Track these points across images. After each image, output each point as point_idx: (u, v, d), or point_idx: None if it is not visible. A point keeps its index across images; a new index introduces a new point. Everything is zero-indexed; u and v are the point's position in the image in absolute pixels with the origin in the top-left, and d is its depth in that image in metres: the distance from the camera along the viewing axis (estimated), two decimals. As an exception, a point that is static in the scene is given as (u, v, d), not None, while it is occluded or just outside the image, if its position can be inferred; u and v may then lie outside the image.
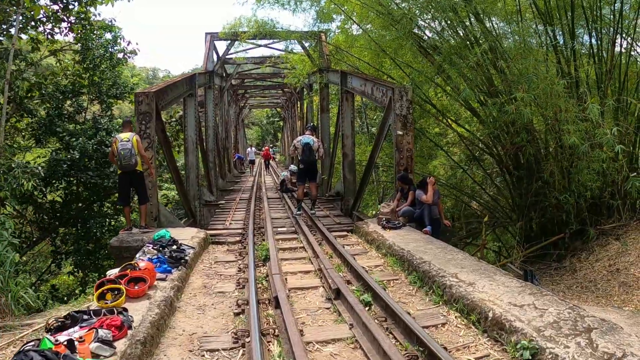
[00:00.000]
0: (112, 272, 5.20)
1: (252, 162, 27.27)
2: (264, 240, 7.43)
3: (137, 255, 6.20)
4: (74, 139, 10.36)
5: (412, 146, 8.83)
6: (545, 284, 8.44)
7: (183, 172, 11.92)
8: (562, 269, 9.09)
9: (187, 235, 7.25)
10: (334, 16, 14.23)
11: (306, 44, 17.55)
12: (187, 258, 5.96)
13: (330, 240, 6.71)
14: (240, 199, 14.07)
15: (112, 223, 12.15)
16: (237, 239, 7.68)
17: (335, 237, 7.40)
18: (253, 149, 27.75)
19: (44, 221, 11.64)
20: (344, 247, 6.79)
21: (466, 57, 9.46)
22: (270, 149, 33.14)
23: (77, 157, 10.08)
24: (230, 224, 9.37)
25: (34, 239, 11.75)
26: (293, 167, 15.83)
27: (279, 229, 8.53)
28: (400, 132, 8.66)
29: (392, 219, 7.46)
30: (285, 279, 5.28)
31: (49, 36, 12.00)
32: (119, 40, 12.84)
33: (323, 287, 4.99)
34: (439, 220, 7.87)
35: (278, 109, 47.88)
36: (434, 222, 7.63)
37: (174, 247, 6.26)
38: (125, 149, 7.68)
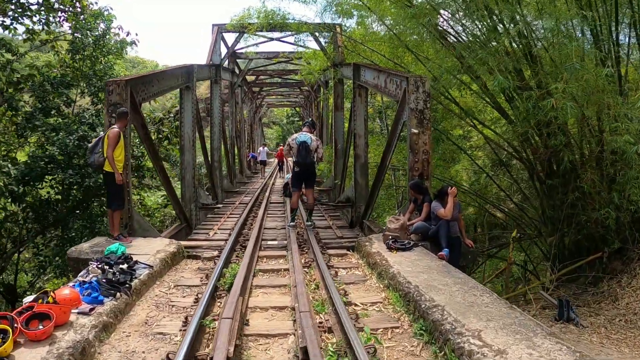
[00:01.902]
0: (28, 300, 4.03)
1: (263, 163, 24.84)
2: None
3: (80, 274, 5.04)
4: (54, 134, 9.32)
5: (430, 147, 7.41)
6: (582, 315, 6.99)
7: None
8: (600, 295, 7.77)
9: (152, 249, 6.03)
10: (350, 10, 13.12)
11: (321, 39, 16.41)
12: (134, 282, 4.72)
13: (319, 265, 5.36)
14: (240, 203, 12.86)
15: (99, 227, 11.08)
16: (215, 253, 6.41)
17: (329, 258, 6.08)
18: (265, 148, 25.54)
19: (27, 222, 10.64)
20: (337, 272, 5.46)
21: (492, 46, 8.09)
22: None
23: (56, 153, 9.01)
24: (215, 233, 8.11)
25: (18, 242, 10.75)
26: (289, 175, 14.59)
27: (269, 242, 7.24)
28: (415, 130, 7.26)
29: (400, 237, 6.08)
30: (247, 320, 3.97)
31: (45, 26, 11.15)
32: (115, 30, 11.83)
33: (295, 334, 3.67)
34: (459, 240, 6.45)
35: (297, 108, 46.78)
36: (453, 242, 6.21)
37: (124, 265, 5.04)
38: (90, 146, 6.56)
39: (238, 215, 10.03)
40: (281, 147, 24.74)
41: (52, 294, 3.91)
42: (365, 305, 4.42)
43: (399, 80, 8.13)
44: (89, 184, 9.52)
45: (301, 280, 4.57)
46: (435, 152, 13.85)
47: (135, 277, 4.86)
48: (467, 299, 3.96)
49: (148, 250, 5.99)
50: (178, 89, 10.40)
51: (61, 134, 9.29)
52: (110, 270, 4.81)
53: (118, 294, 4.33)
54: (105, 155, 6.34)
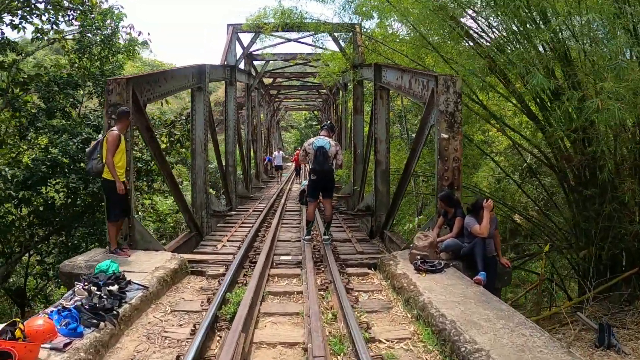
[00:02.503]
0: (-1, 327, 3.44)
1: (279, 168, 23.53)
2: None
3: (64, 296, 4.45)
4: (57, 137, 8.83)
5: (461, 154, 6.66)
6: (621, 339, 6.23)
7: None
8: (639, 315, 6.98)
9: (151, 265, 5.42)
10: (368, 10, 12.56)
11: (340, 40, 15.78)
12: (123, 307, 4.10)
13: (337, 288, 4.66)
14: (254, 210, 12.22)
15: (105, 234, 10.55)
16: (221, 270, 5.75)
17: (348, 279, 5.37)
18: (281, 152, 24.42)
19: (32, 227, 10.18)
20: (358, 298, 4.75)
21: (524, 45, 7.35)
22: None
23: (59, 157, 8.51)
24: (223, 246, 7.46)
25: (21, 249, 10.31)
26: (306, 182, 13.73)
27: (282, 258, 6.56)
28: (444, 135, 6.53)
29: (430, 257, 5.35)
30: (249, 363, 3.30)
31: (53, 25, 10.77)
32: (125, 29, 11.36)
33: (306, 385, 2.98)
34: (495, 260, 5.69)
35: (316, 112, 46.21)
36: (489, 262, 5.45)
37: (114, 287, 4.42)
38: (88, 150, 6.00)
39: (250, 225, 9.39)
40: (298, 151, 23.99)
41: (20, 325, 3.30)
42: (391, 342, 3.71)
43: (425, 81, 7.42)
44: (93, 189, 9.01)
45: (316, 311, 3.88)
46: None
47: (126, 302, 4.23)
48: (515, 341, 3.24)
49: (146, 266, 5.38)
50: (188, 90, 9.83)
51: (64, 136, 8.79)
52: (97, 292, 4.20)
53: (102, 323, 3.71)
54: (104, 161, 5.77)
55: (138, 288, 4.63)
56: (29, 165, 8.62)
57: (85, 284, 4.44)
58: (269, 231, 8.18)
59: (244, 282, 5.09)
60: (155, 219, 14.72)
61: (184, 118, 11.89)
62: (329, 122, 7.72)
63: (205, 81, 10.46)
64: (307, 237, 7.00)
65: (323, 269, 5.76)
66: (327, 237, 6.95)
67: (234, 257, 6.07)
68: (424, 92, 7.45)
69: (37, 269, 10.62)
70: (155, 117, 12.03)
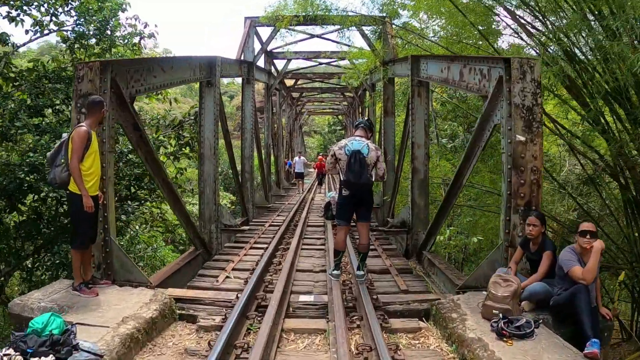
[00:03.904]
0: None
1: (300, 175, 20.53)
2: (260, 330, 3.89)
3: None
4: (39, 138, 7.49)
5: (541, 163, 4.99)
6: None
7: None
8: None
9: (120, 312, 3.92)
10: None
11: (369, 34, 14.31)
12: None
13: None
14: (271, 224, 10.65)
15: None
16: (217, 320, 4.20)
17: (396, 341, 3.75)
18: (302, 158, 21.39)
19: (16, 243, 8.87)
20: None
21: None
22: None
23: (40, 161, 7.12)
24: (226, 277, 5.81)
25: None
26: (332, 194, 11.87)
27: (301, 298, 4.93)
28: (521, 138, 4.88)
29: (512, 310, 3.70)
30: None
31: (53, 17, 9.59)
32: (130, 20, 10.03)
33: None
34: (596, 311, 4.01)
35: (340, 117, 44.72)
36: (593, 318, 3.78)
37: (48, 358, 2.94)
38: (50, 155, 4.57)
39: (265, 245, 7.78)
40: (321, 157, 22.15)
41: None
42: None
43: (486, 68, 5.79)
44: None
45: None
46: (487, 163, 11.54)
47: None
48: None
49: (113, 314, 3.88)
50: (192, 86, 8.38)
51: (45, 137, 7.43)
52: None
53: None
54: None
55: (87, 356, 3.13)
56: (4, 170, 7.27)
57: (7, 351, 2.98)
58: (287, 256, 6.58)
59: (245, 345, 3.51)
60: (162, 231, 13.35)
61: (192, 118, 10.46)
62: (365, 119, 5.86)
63: (216, 75, 9.02)
64: (336, 272, 5.17)
65: (358, 322, 4.13)
66: (361, 272, 5.15)
67: (238, 298, 4.52)
68: (484, 82, 5.82)
69: (23, 288, 9.32)
70: (159, 117, 10.59)
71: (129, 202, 9.14)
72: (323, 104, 35.01)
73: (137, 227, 11.14)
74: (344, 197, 5.06)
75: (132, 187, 9.55)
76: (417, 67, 8.88)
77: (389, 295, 4.96)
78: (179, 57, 7.35)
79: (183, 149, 11.01)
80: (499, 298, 3.72)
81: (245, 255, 7.10)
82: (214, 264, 6.68)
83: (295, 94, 28.53)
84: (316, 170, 21.14)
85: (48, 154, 4.54)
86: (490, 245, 16.03)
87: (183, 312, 4.52)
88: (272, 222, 11.08)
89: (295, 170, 20.59)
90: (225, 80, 71.22)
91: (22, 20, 9.43)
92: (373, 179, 4.97)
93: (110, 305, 4.09)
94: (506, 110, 5.14)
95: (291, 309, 4.61)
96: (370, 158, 4.92)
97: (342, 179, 4.99)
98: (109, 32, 9.14)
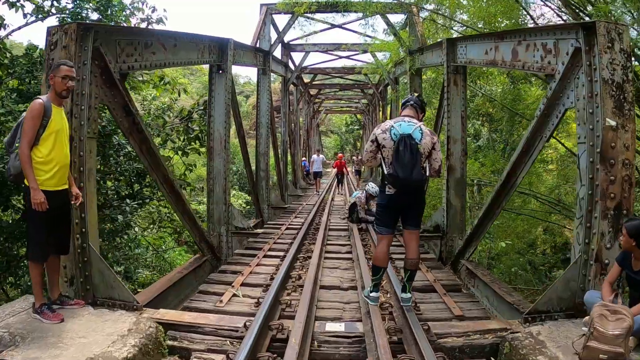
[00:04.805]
0: None
1: (318, 175, 19.30)
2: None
3: None
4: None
5: (634, 155, 3.88)
6: None
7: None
8: None
9: (84, 351, 2.93)
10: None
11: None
12: None
13: None
14: (287, 228, 9.57)
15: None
16: None
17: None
18: (321, 156, 19.99)
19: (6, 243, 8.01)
20: None
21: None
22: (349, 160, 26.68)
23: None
24: (233, 295, 4.70)
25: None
26: (371, 186, 10.04)
27: (328, 327, 3.75)
28: (611, 122, 3.77)
29: (624, 354, 2.61)
30: None
31: (54, 1, 8.88)
32: (137, 3, 9.16)
33: None
34: None
35: (358, 115, 43.60)
36: None
37: None
38: (7, 139, 3.62)
39: (282, 253, 6.69)
40: (340, 155, 20.96)
41: None
42: None
43: (552, 41, 4.67)
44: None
45: None
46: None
47: None
48: None
49: (74, 352, 2.89)
50: (201, 71, 7.40)
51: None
52: None
53: None
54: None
55: None
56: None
57: None
58: (308, 268, 5.50)
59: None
60: (171, 232, 12.45)
61: (202, 109, 9.53)
62: (415, 95, 4.42)
63: (227, 61, 8.05)
64: (374, 295, 4.06)
65: (407, 365, 3.06)
66: (407, 295, 4.03)
67: (246, 328, 3.48)
68: (549, 59, 4.71)
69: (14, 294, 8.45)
70: (165, 106, 9.67)
71: (127, 200, 8.22)
72: (341, 102, 33.94)
73: (136, 229, 10.22)
74: (389, 196, 3.94)
75: (134, 184, 8.65)
76: (453, 51, 7.83)
77: (442, 324, 3.79)
78: (185, 34, 6.36)
79: (192, 143, 10.10)
80: (608, 338, 2.64)
81: (257, 265, 6.02)
82: (219, 277, 5.63)
83: (312, 91, 27.56)
84: (335, 169, 20.00)
85: (5, 138, 3.59)
86: (514, 250, 15.02)
87: (175, 343, 3.51)
88: (290, 224, 10.03)
89: (313, 169, 19.45)
90: (241, 80, 70.43)
91: (23, 6, 8.77)
92: (428, 174, 3.87)
93: (75, 337, 3.11)
94: (587, 88, 4.03)
95: (316, 343, 3.53)
96: (425, 145, 3.80)
97: (385, 172, 3.88)
98: (109, 12, 8.26)
